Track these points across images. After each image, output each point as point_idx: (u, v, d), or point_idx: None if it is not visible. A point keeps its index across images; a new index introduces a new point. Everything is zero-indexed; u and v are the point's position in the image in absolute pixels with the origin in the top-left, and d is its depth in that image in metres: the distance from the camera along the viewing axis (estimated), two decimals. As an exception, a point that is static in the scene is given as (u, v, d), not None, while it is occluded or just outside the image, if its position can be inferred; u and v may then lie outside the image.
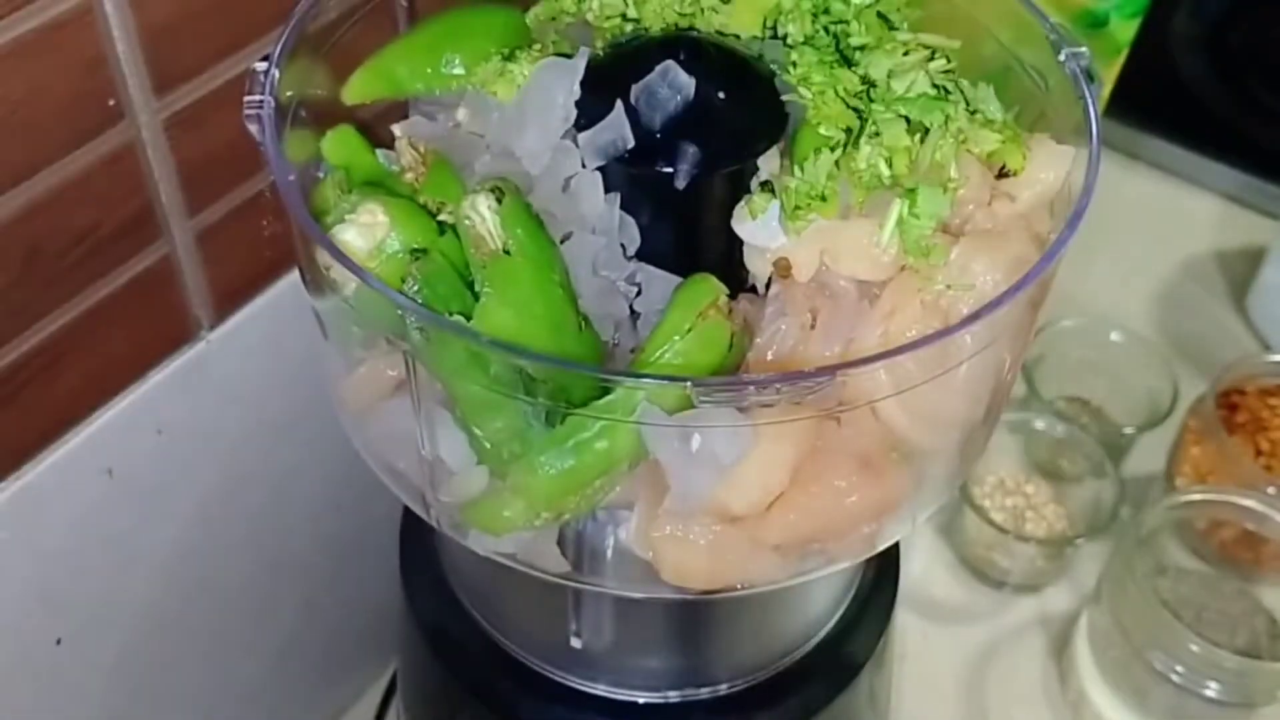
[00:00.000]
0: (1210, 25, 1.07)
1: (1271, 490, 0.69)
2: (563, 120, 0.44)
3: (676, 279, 0.43)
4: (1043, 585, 0.78)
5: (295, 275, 0.58)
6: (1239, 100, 1.03)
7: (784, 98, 0.45)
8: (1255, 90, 1.04)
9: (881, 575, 0.58)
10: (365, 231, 0.41)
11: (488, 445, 0.41)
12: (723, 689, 0.53)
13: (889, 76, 0.45)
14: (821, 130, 0.44)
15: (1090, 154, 0.43)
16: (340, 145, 0.45)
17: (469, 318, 0.39)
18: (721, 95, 0.44)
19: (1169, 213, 0.99)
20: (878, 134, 0.43)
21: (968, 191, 0.43)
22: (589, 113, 0.44)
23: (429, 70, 0.47)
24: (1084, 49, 0.45)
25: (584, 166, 0.43)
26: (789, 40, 0.47)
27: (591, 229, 0.43)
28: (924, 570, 0.78)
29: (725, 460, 0.40)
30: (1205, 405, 0.73)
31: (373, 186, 0.44)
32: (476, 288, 0.40)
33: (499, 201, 0.40)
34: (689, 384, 0.37)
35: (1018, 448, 0.80)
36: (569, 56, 0.46)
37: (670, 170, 0.43)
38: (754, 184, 0.44)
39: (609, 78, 0.44)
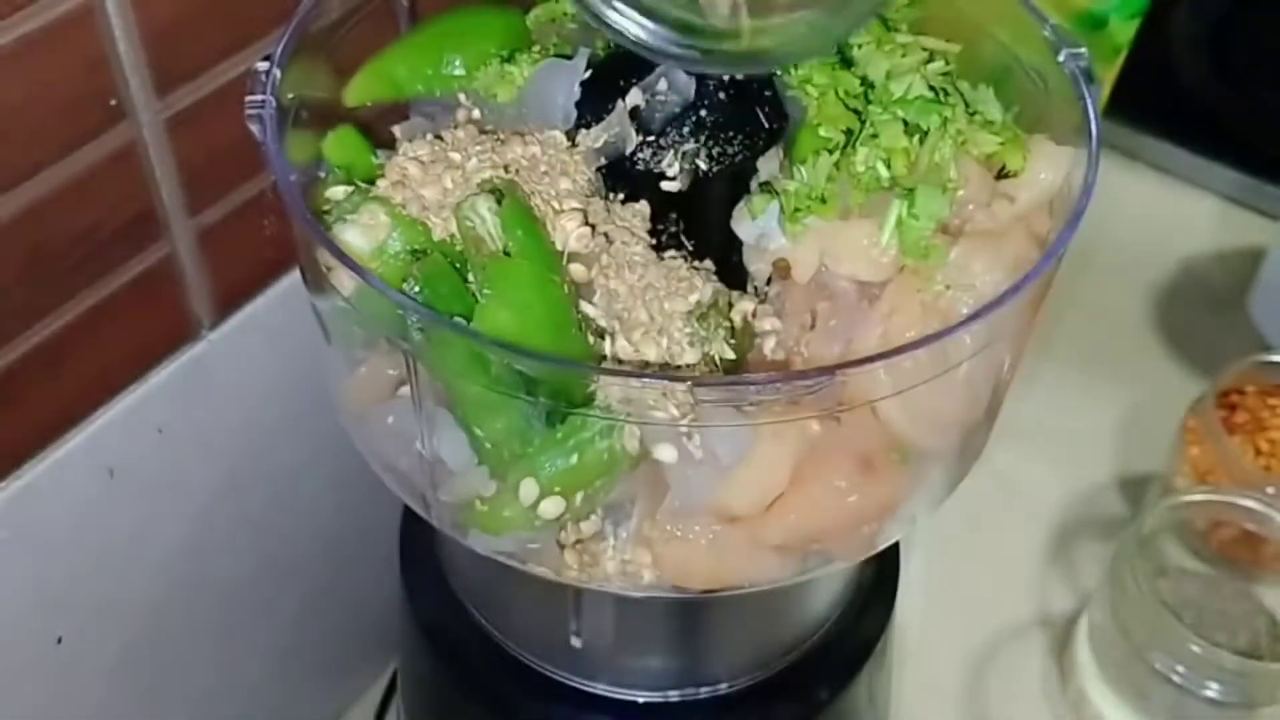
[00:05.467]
0: (1210, 26, 1.07)
1: (1271, 490, 0.69)
2: (563, 121, 0.44)
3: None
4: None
5: (296, 275, 0.58)
6: (1239, 101, 1.03)
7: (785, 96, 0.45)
8: (1255, 91, 1.04)
9: (881, 574, 0.58)
10: (367, 232, 0.41)
11: (488, 445, 0.41)
12: (723, 688, 0.53)
13: (886, 78, 0.45)
14: (822, 131, 0.44)
15: (1090, 154, 0.43)
16: (341, 146, 0.45)
17: (469, 318, 0.39)
18: (721, 96, 0.44)
19: (1169, 213, 1.00)
20: (875, 136, 0.44)
21: (967, 192, 0.44)
22: (589, 113, 0.44)
23: (429, 72, 0.47)
24: (1083, 49, 0.45)
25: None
26: (789, 41, 0.47)
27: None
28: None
29: (725, 461, 0.40)
30: (1204, 405, 0.73)
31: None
32: (475, 288, 0.40)
33: (499, 203, 0.40)
34: (689, 384, 0.37)
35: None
36: (569, 58, 0.46)
37: (671, 171, 0.43)
38: (754, 185, 0.45)
39: (609, 78, 0.44)
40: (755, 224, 0.44)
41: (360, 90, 0.47)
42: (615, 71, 0.45)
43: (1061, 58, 0.46)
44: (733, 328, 0.42)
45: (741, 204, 0.44)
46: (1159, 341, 0.89)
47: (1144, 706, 0.67)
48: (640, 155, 0.44)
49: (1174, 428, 0.76)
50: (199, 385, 0.57)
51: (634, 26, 0.40)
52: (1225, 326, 0.91)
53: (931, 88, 0.45)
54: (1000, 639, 0.76)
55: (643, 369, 0.40)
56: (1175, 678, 0.64)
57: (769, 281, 0.44)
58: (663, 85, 0.44)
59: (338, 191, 0.43)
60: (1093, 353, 0.88)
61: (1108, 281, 0.91)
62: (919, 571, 0.78)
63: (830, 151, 0.44)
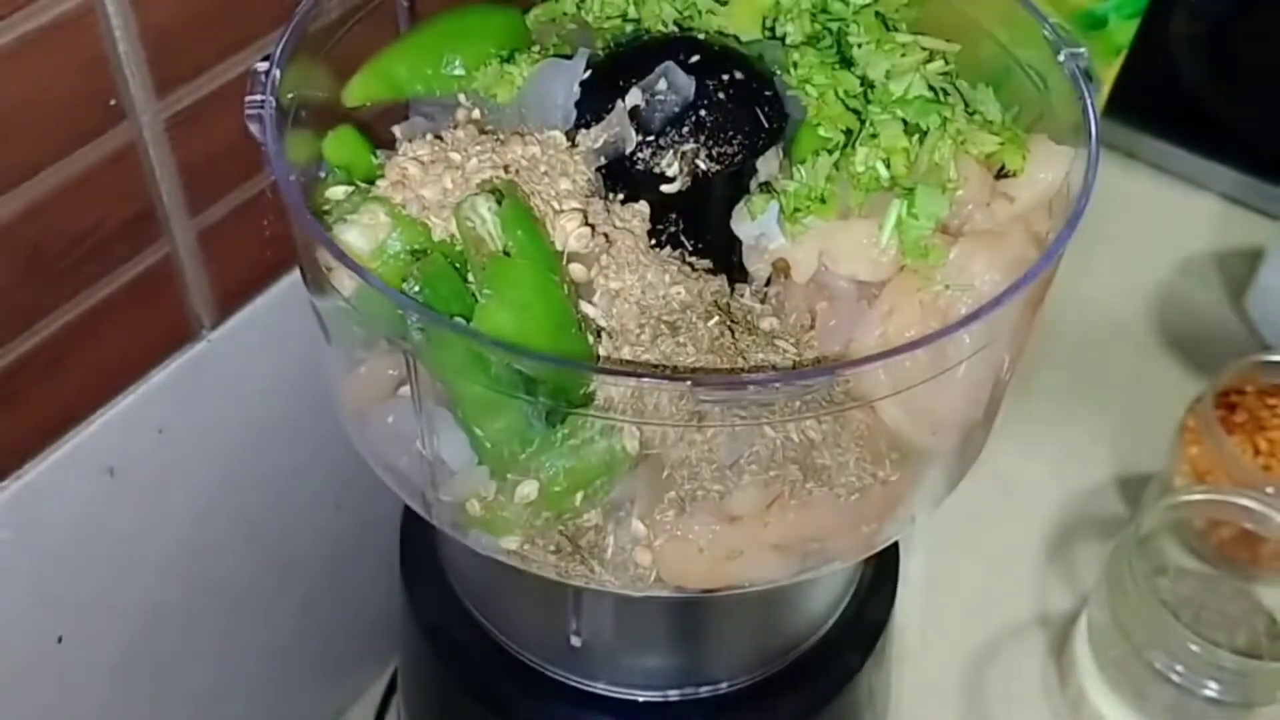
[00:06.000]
0: (1209, 25, 1.07)
1: (1270, 490, 0.69)
2: (562, 121, 0.44)
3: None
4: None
5: (296, 275, 0.58)
6: (1238, 100, 1.03)
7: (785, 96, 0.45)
8: (1254, 90, 1.04)
9: (881, 574, 0.58)
10: (367, 232, 0.41)
11: (488, 445, 0.41)
12: (723, 688, 0.53)
13: (886, 77, 0.45)
14: (821, 131, 0.44)
15: (1089, 154, 0.43)
16: (341, 146, 0.45)
17: (469, 319, 0.39)
18: (721, 96, 0.44)
19: (1168, 213, 1.00)
20: (875, 135, 0.44)
21: (967, 192, 0.44)
22: (589, 113, 0.44)
23: (429, 72, 0.47)
24: (1083, 49, 0.45)
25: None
26: (788, 40, 0.47)
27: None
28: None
29: (725, 459, 0.40)
30: (1204, 405, 0.73)
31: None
32: (475, 289, 0.40)
33: (499, 203, 0.40)
34: (689, 384, 0.37)
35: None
36: (568, 58, 0.46)
37: (670, 171, 0.43)
38: (753, 185, 0.45)
39: (609, 78, 0.44)
40: (754, 224, 0.44)
41: (360, 90, 0.47)
42: (614, 71, 0.45)
43: (1061, 57, 0.46)
44: (732, 327, 0.42)
45: (741, 204, 0.44)
46: (1159, 341, 0.89)
47: (1143, 705, 0.67)
48: (640, 155, 0.44)
49: (1173, 427, 0.76)
50: (199, 385, 0.57)
51: None
52: (1225, 326, 0.91)
53: (931, 87, 0.45)
54: (1000, 638, 0.76)
55: (643, 369, 0.40)
56: (1174, 677, 0.64)
57: (768, 282, 0.44)
58: (662, 85, 0.44)
59: (338, 191, 0.43)
60: (1093, 352, 0.89)
61: (1108, 281, 0.91)
62: (918, 571, 0.78)
63: (830, 151, 0.44)
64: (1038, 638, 0.76)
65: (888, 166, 0.44)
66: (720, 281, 0.44)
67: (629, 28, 0.48)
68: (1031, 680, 0.75)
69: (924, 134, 0.44)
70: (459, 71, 0.47)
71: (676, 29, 0.48)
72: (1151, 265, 0.96)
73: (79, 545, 0.56)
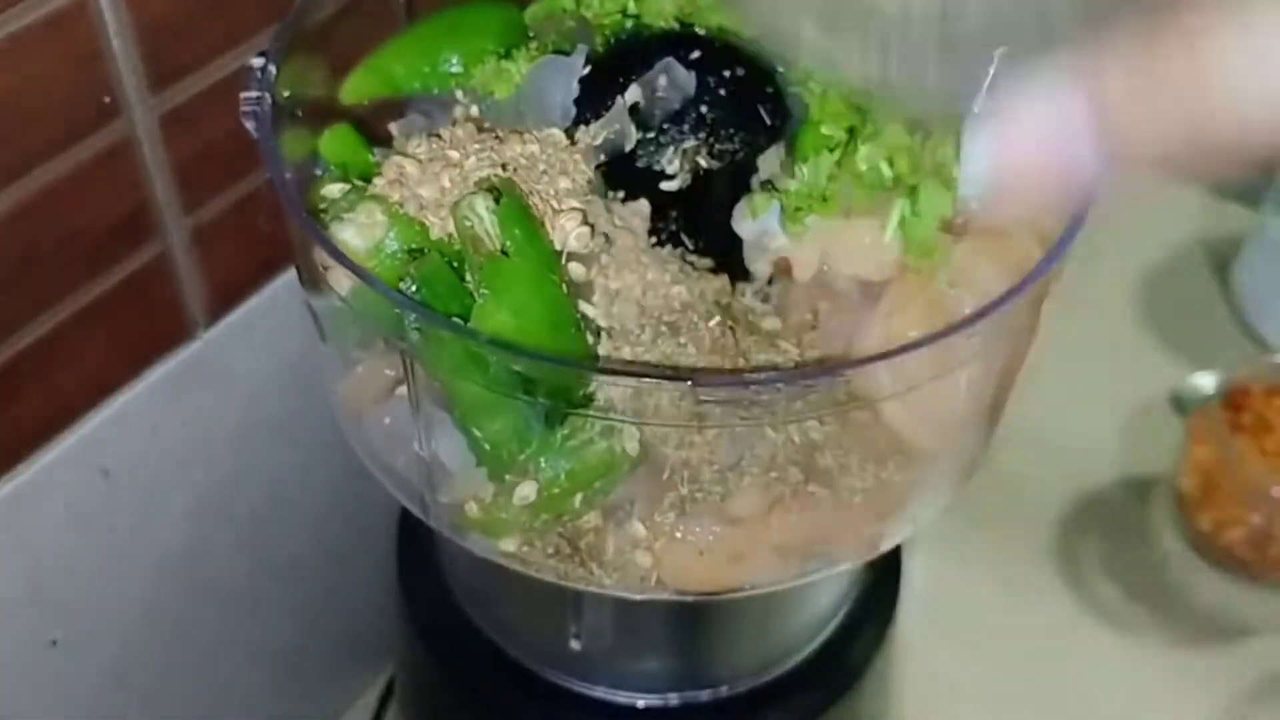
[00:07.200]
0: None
1: (1276, 492, 0.69)
2: (561, 118, 0.44)
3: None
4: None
5: (292, 274, 0.58)
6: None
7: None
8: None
9: (884, 578, 0.58)
10: (364, 230, 0.41)
11: (487, 446, 0.41)
12: (724, 692, 0.53)
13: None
14: (824, 129, 0.44)
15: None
16: (338, 143, 0.45)
17: (467, 318, 0.39)
18: (723, 93, 0.44)
19: (1155, 202, 0.99)
20: (877, 134, 0.43)
21: (970, 190, 0.43)
22: (588, 110, 0.44)
23: (427, 69, 0.47)
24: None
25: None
26: (791, 37, 0.47)
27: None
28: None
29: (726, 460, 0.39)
30: (1211, 406, 0.73)
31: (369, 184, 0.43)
32: (473, 288, 0.40)
33: (497, 202, 0.39)
34: (689, 383, 0.37)
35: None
36: (567, 54, 0.45)
37: (671, 168, 0.43)
38: (755, 183, 0.44)
39: (608, 75, 0.44)
40: (756, 223, 0.44)
41: (357, 87, 0.47)
42: (614, 68, 0.44)
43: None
44: (733, 326, 0.42)
45: (742, 203, 0.44)
46: (1164, 342, 0.89)
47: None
48: (640, 152, 0.43)
49: (1179, 428, 0.76)
50: (193, 385, 0.57)
51: None
52: (1211, 315, 0.91)
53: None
54: (1002, 639, 0.76)
55: (643, 369, 0.39)
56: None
57: (770, 281, 0.44)
58: (663, 81, 0.43)
59: (334, 190, 0.43)
60: (1096, 352, 0.88)
61: (1112, 281, 0.91)
62: (921, 573, 0.77)
63: (832, 150, 0.43)
64: (1041, 638, 0.76)
65: (890, 165, 0.43)
66: (721, 281, 0.43)
67: (629, 23, 0.48)
68: (1035, 682, 0.74)
69: (927, 132, 0.43)
70: (457, 68, 0.47)
71: (677, 25, 0.47)
72: (1138, 255, 0.95)
73: (73, 547, 0.55)
